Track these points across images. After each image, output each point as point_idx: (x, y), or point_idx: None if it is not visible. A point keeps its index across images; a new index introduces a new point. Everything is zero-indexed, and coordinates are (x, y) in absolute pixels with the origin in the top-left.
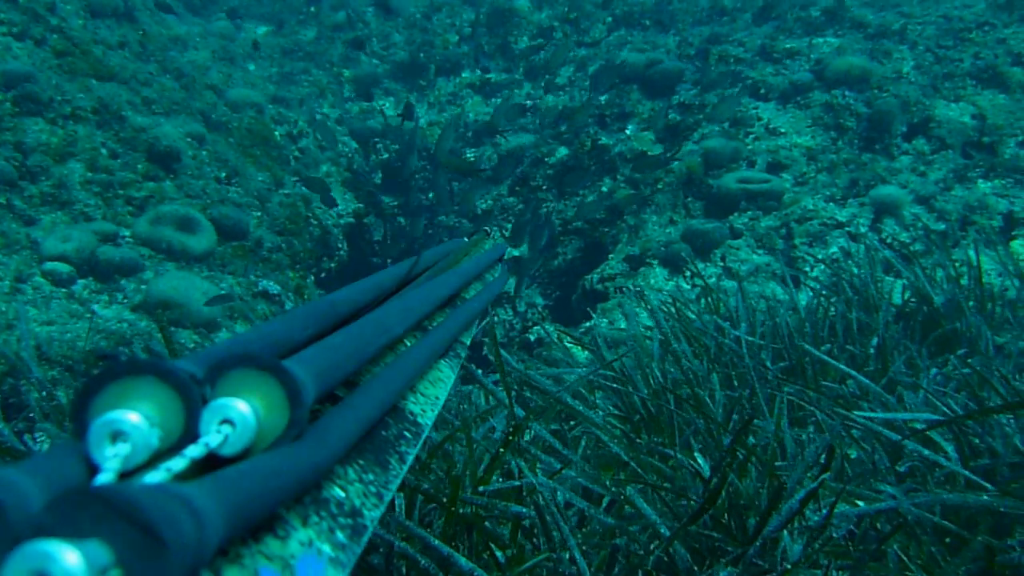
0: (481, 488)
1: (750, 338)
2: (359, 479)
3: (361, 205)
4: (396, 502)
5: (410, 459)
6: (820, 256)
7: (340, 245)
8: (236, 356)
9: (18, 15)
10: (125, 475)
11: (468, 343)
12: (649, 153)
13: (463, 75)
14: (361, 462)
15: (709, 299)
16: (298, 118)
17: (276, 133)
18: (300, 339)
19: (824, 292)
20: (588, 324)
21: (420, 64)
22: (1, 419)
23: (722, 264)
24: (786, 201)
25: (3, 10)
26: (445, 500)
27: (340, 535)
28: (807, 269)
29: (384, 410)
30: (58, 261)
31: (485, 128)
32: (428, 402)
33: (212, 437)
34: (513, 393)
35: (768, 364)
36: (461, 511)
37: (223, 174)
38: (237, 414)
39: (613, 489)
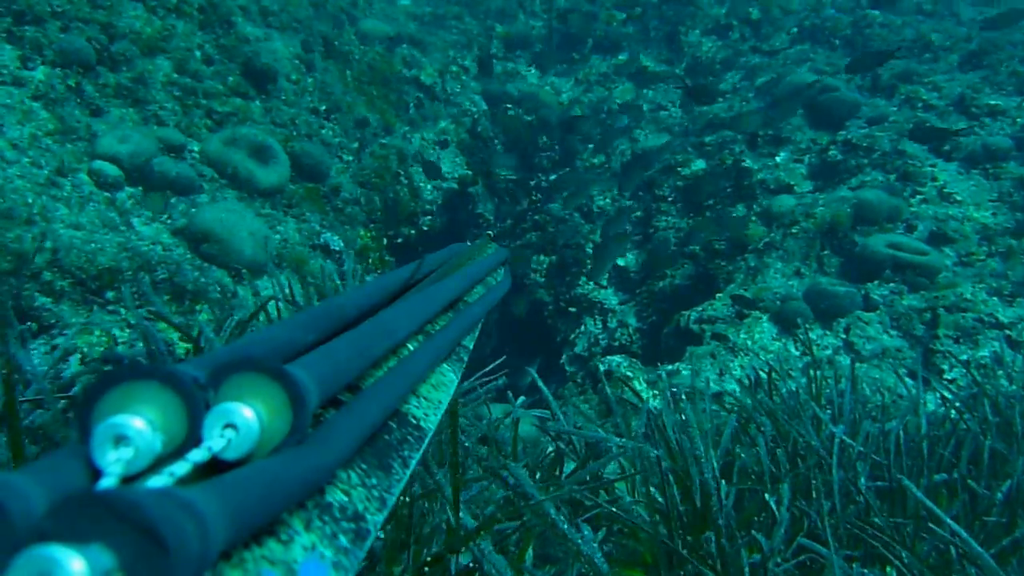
0: None
1: (849, 441)
2: (362, 483)
3: (470, 172)
4: None
5: (413, 463)
6: (965, 357)
7: (432, 210)
8: (239, 360)
9: None
10: (128, 480)
11: (471, 347)
12: (796, 188)
13: (620, 56)
14: (364, 466)
15: (815, 374)
16: (430, 65)
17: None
18: (303, 343)
19: (958, 403)
20: (670, 368)
21: (577, 35)
22: None
23: (844, 336)
24: (941, 282)
25: None
26: None
27: (343, 539)
28: (944, 368)
29: (387, 414)
30: (108, 161)
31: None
32: (431, 406)
33: (215, 441)
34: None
35: (861, 481)
36: None
37: (323, 107)
38: (240, 418)
39: None
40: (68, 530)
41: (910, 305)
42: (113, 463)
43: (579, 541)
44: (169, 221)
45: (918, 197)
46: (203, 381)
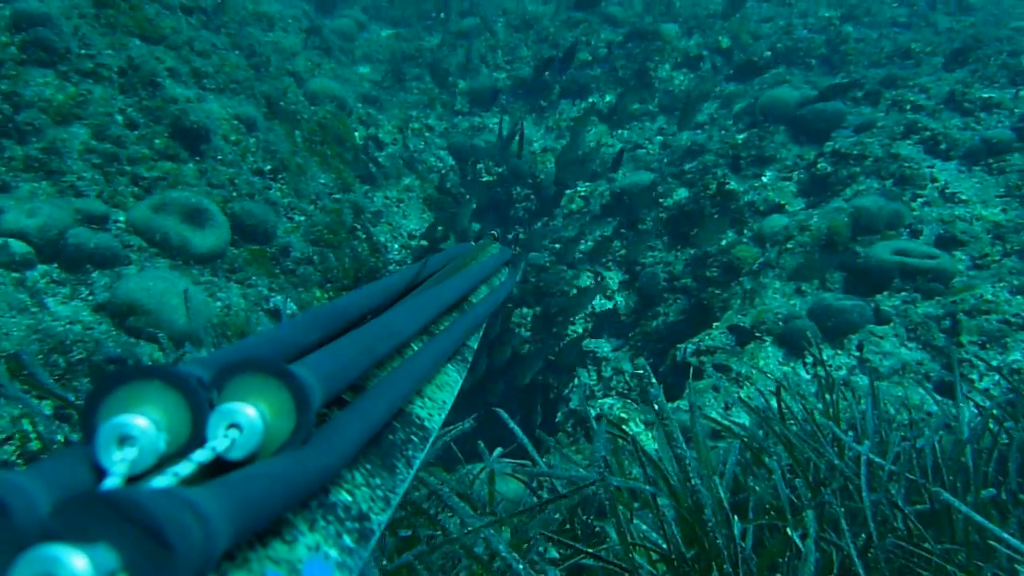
0: None
1: (878, 460)
2: (366, 483)
3: (441, 228)
4: None
5: (417, 463)
6: (995, 363)
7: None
8: (243, 361)
9: None
10: (132, 479)
11: (475, 347)
12: (787, 207)
13: (590, 99)
14: (368, 466)
15: (830, 397)
16: (388, 123)
17: (357, 135)
18: (308, 343)
19: (995, 411)
20: (671, 406)
21: (543, 82)
22: None
23: (858, 354)
24: (956, 286)
25: None
26: None
27: (347, 539)
28: (974, 377)
29: (391, 414)
30: (14, 238)
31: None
32: (435, 406)
33: (219, 441)
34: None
35: (898, 502)
36: None
37: (267, 167)
38: (244, 418)
39: None
40: (72, 529)
41: (926, 313)
42: (117, 463)
43: None
44: (90, 297)
45: (919, 200)
46: (207, 381)
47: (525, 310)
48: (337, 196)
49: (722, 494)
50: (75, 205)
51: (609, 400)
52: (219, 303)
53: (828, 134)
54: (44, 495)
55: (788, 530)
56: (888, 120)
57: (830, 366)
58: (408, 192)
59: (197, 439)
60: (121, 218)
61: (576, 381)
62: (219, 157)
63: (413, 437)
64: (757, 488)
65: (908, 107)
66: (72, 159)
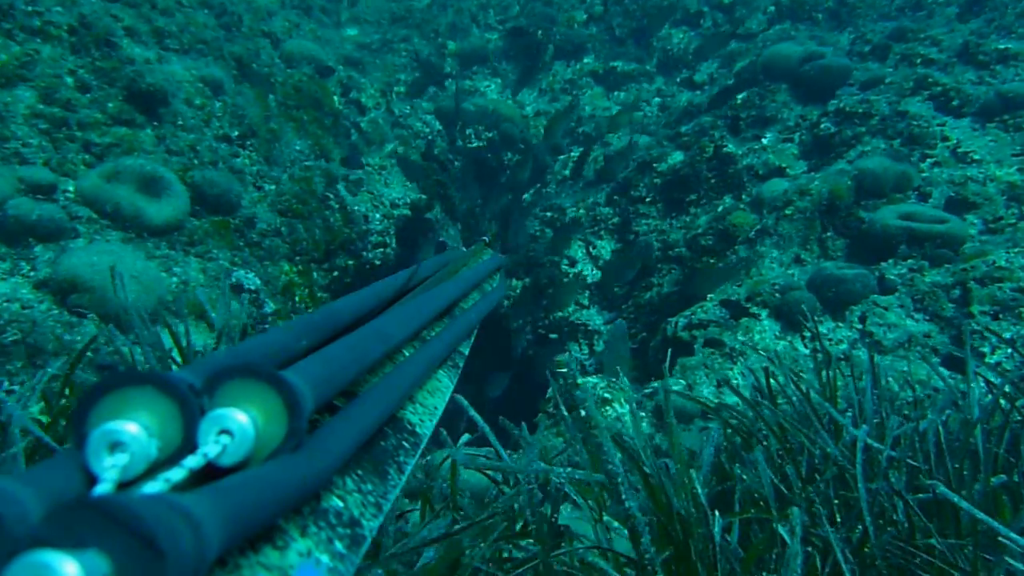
0: None
1: (877, 444)
2: (358, 489)
3: (424, 196)
4: None
5: (408, 469)
6: (1008, 335)
7: (386, 241)
8: (234, 366)
9: None
10: (124, 485)
11: (467, 353)
12: (788, 170)
13: (585, 60)
14: (359, 472)
15: (828, 374)
16: (371, 86)
17: (336, 98)
18: (299, 349)
19: (1008, 388)
20: (656, 384)
21: (536, 42)
22: None
23: (860, 327)
24: (967, 252)
25: None
26: None
27: (339, 545)
28: (985, 350)
29: (382, 420)
30: None
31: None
32: (426, 412)
33: (210, 447)
34: None
35: (900, 491)
36: None
37: (235, 133)
38: (235, 424)
39: None
40: (63, 536)
41: (934, 282)
42: (109, 469)
43: None
44: (32, 273)
45: (929, 160)
46: (198, 387)
47: (514, 281)
48: (307, 164)
49: (699, 488)
50: (18, 173)
51: (592, 379)
52: (175, 279)
53: (833, 92)
54: (35, 502)
55: (775, 525)
56: (896, 76)
57: (830, 340)
58: (391, 159)
59: (188, 445)
60: (70, 187)
61: (567, 355)
62: (180, 122)
63: (404, 443)
64: (745, 476)
65: (919, 61)
66: (16, 124)
